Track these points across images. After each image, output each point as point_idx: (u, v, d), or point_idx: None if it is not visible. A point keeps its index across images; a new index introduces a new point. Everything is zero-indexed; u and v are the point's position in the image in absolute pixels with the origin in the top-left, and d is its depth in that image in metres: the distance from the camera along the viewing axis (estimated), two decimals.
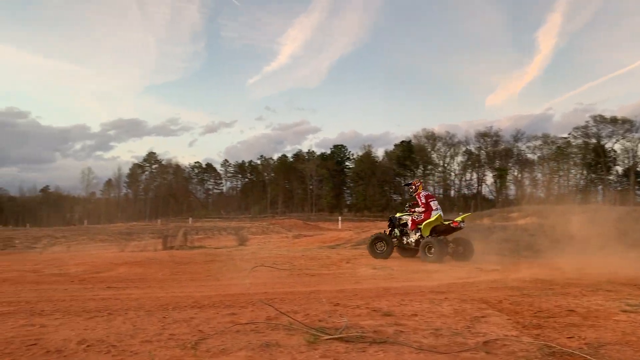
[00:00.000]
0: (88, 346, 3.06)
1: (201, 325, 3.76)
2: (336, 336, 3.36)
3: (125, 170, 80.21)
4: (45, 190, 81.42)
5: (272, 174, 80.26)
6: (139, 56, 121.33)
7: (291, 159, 79.73)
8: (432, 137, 72.26)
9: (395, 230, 11.88)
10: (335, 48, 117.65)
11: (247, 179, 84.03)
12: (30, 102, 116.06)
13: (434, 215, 11.21)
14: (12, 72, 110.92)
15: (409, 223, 11.58)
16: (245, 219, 51.96)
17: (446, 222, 11.15)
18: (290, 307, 4.54)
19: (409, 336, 3.50)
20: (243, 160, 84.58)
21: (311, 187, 72.70)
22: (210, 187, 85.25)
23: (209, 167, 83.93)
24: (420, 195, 11.57)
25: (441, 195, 68.68)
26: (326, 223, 37.85)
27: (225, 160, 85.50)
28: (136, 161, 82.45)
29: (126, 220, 59.37)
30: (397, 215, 12.21)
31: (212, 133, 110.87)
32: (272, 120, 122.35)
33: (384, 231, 12.11)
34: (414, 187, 11.95)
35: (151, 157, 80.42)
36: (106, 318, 4.01)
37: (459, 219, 11.25)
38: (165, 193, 75.75)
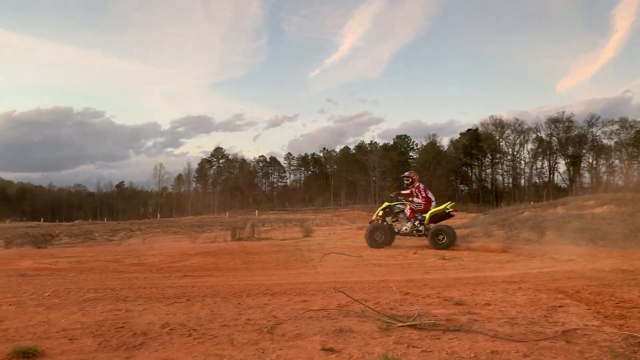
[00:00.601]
0: (171, 329, 3.23)
1: (275, 311, 3.86)
2: (409, 323, 3.35)
3: (195, 165, 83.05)
4: (120, 185, 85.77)
5: (335, 166, 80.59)
6: (205, 54, 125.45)
7: (353, 151, 79.75)
8: (500, 125, 69.93)
9: (387, 219, 12.31)
10: (397, 37, 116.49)
11: (310, 172, 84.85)
12: (105, 102, 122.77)
13: (438, 206, 12.12)
14: (88, 74, 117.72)
15: (407, 212, 12.06)
16: (308, 211, 52.52)
17: (448, 210, 12.00)
18: (360, 295, 4.56)
19: (483, 325, 3.44)
20: (306, 153, 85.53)
21: (374, 178, 72.34)
22: (275, 180, 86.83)
23: (273, 161, 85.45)
24: (420, 187, 12.20)
25: (510, 185, 66.43)
26: None
27: (289, 153, 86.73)
28: (204, 156, 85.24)
29: (196, 213, 61.58)
30: (389, 204, 12.53)
31: (276, 127, 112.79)
32: (334, 113, 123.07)
33: (379, 220, 12.33)
34: (410, 179, 12.43)
35: (218, 152, 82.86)
36: (185, 304, 4.20)
37: (448, 206, 12.07)
38: (232, 186, 77.77)
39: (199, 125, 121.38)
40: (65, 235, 23.79)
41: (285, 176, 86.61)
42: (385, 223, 12.19)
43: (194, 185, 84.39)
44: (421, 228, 12.00)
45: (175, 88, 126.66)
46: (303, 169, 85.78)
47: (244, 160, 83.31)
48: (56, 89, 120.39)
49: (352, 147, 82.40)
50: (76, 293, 4.73)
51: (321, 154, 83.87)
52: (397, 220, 12.30)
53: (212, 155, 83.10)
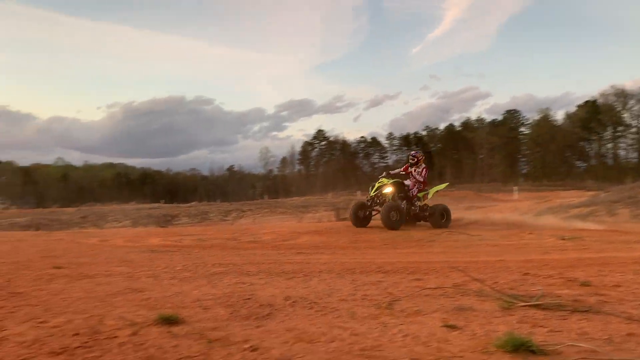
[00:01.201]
0: (293, 302, 3.39)
1: (390, 288, 3.91)
2: (532, 303, 3.24)
3: (298, 148, 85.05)
4: (230, 169, 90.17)
5: (439, 145, 78.53)
6: (306, 37, 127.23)
7: (459, 128, 77.08)
8: (622, 95, 63.74)
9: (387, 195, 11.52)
10: (504, 7, 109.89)
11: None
12: (215, 90, 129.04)
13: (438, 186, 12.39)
14: (198, 64, 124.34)
15: (414, 190, 11.65)
16: None
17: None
18: (476, 275, 4.47)
19: (614, 306, 3.23)
20: (408, 132, 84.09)
21: (481, 156, 69.49)
22: (376, 160, 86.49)
23: (374, 141, 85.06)
24: (423, 171, 11.76)
25: (636, 160, 60.72)
26: (499, 194, 35.96)
27: (390, 133, 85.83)
28: (306, 139, 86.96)
29: (301, 194, 63.28)
30: (395, 180, 11.68)
31: (376, 107, 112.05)
32: (438, 89, 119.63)
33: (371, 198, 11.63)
34: (416, 159, 11.87)
35: (320, 134, 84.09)
36: (303, 279, 4.38)
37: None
38: (334, 168, 78.72)
39: (301, 108, 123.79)
40: (184, 216, 25.49)
41: (387, 156, 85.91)
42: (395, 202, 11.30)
43: (297, 167, 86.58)
44: (417, 207, 11.76)
45: (279, 73, 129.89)
46: (405, 148, 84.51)
47: (344, 142, 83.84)
48: (170, 79, 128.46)
49: (457, 124, 79.72)
50: (203, 267, 5.11)
51: (424, 133, 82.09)
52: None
53: (314, 137, 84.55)
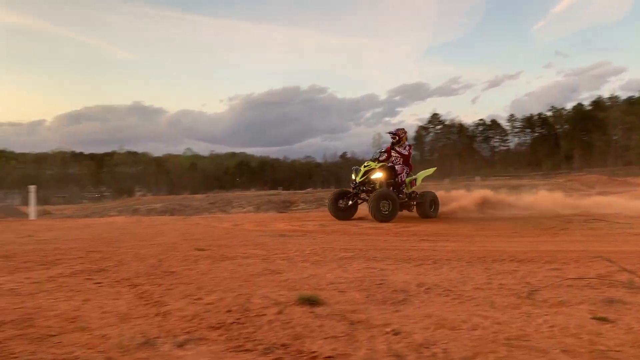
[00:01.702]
0: (427, 289, 3.38)
1: (527, 278, 3.75)
2: None
3: (411, 133, 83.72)
4: (343, 156, 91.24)
5: (566, 126, 72.97)
6: (419, 20, 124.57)
7: (589, 107, 71.03)
8: None
9: (374, 180, 10.48)
10: None
11: (536, 133, 78.36)
12: (328, 78, 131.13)
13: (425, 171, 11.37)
14: (313, 54, 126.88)
15: (403, 176, 10.64)
16: (536, 177, 48.79)
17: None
18: (625, 265, 4.13)
19: None
20: (531, 113, 79.05)
21: (615, 137, 63.49)
22: (496, 144, 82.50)
23: (494, 124, 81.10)
24: (406, 146, 10.72)
25: None
26: (637, 178, 32.66)
27: (511, 114, 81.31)
28: (420, 124, 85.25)
29: None
30: (380, 165, 10.57)
31: (495, 87, 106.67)
32: (563, 66, 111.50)
33: (369, 183, 10.48)
34: (398, 137, 10.71)
35: (434, 118, 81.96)
36: (432, 266, 4.35)
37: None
38: (450, 153, 76.43)
39: (414, 92, 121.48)
40: (301, 202, 26.30)
41: (508, 139, 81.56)
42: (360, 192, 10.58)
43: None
44: (406, 195, 10.76)
45: (391, 58, 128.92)
46: (528, 130, 79.64)
47: (461, 125, 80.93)
48: (285, 70, 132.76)
49: (586, 103, 73.45)
50: (331, 252, 5.26)
51: (549, 113, 76.64)
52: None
53: (429, 122, 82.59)
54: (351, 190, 10.72)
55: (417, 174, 11.23)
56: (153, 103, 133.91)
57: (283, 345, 2.26)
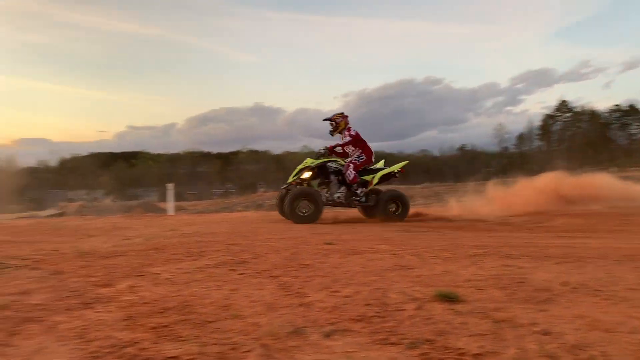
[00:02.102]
0: (573, 288, 3.18)
1: None
2: None
3: (537, 122, 78.57)
4: (462, 148, 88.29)
5: None
6: (544, 1, 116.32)
7: None
8: None
9: (312, 182, 9.36)
10: None
11: None
12: (444, 68, 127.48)
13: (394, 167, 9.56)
14: (426, 44, 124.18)
15: (351, 174, 9.08)
16: None
17: (397, 172, 9.53)
18: None
19: None
20: None
21: None
22: (635, 131, 74.76)
23: (632, 110, 73.54)
24: (351, 130, 9.34)
25: None
26: None
27: None
28: (547, 112, 79.69)
29: (540, 172, 58.57)
30: (318, 162, 9.30)
31: (633, 70, 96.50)
32: None
33: (292, 183, 9.34)
34: (334, 122, 9.48)
35: (562, 105, 76.19)
36: (575, 264, 4.07)
37: (400, 166, 9.67)
38: (581, 142, 70.70)
39: (539, 79, 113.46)
40: (419, 197, 25.94)
41: None
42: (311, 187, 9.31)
43: (537, 143, 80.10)
44: (362, 194, 9.30)
45: (512, 43, 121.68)
46: None
47: (593, 112, 74.38)
48: (399, 63, 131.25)
49: None
50: (460, 248, 5.14)
51: None
52: (323, 185, 9.47)
53: (556, 109, 76.94)
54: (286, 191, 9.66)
55: (379, 171, 9.70)
56: (273, 103, 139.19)
57: (428, 340, 2.26)
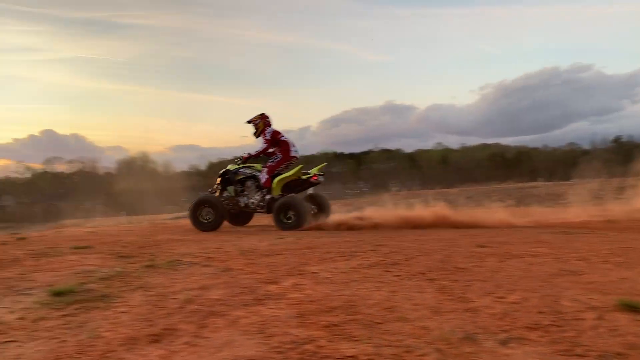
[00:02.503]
0: None
1: None
2: None
3: None
4: (617, 140, 79.92)
5: None
6: None
7: None
8: None
9: (228, 189, 9.24)
10: None
11: None
12: (593, 53, 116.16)
13: (295, 168, 8.91)
14: (572, 28, 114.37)
15: (263, 177, 8.94)
16: None
17: (305, 176, 8.90)
18: None
19: None
20: None
21: None
22: None
23: None
24: (266, 132, 9.03)
25: None
26: None
27: None
28: None
29: None
30: (233, 168, 9.27)
31: None
32: None
33: (212, 190, 9.34)
34: (255, 126, 9.19)
35: None
36: None
37: (314, 170, 9.04)
38: None
39: None
40: (569, 194, 24.02)
41: None
42: (222, 195, 9.24)
43: None
44: (266, 200, 9.00)
45: None
46: None
47: None
48: (541, 51, 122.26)
49: None
50: (635, 252, 4.67)
51: None
52: (243, 192, 9.19)
53: None
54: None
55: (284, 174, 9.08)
56: (404, 101, 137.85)
57: (619, 354, 2.08)
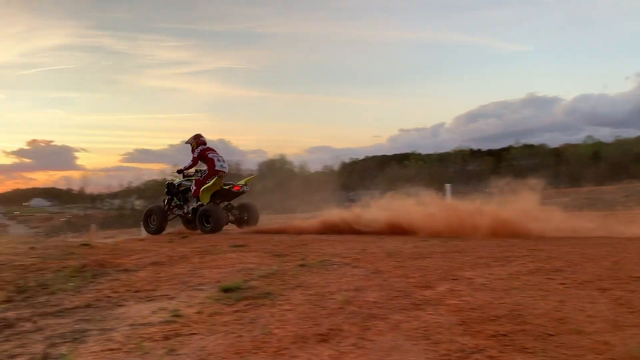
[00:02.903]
0: None
1: None
2: None
3: None
4: None
5: None
6: None
7: None
8: None
9: (175, 199, 10.50)
10: None
11: None
12: None
13: (212, 180, 9.87)
14: None
15: (193, 188, 10.12)
16: None
17: (226, 187, 10.00)
18: None
19: None
20: None
21: None
22: None
23: None
24: (195, 150, 10.17)
25: None
26: None
27: None
28: None
29: None
30: (177, 181, 10.57)
31: None
32: None
33: (163, 201, 10.71)
34: (191, 146, 10.35)
35: None
36: None
37: (242, 182, 10.42)
38: None
39: None
40: None
41: None
42: (171, 206, 10.60)
43: None
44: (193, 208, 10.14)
45: None
46: None
47: None
48: None
49: None
50: None
51: None
52: (187, 201, 10.40)
53: None
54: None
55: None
56: (547, 92, 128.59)
57: None
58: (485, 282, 3.70)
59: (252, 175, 11.27)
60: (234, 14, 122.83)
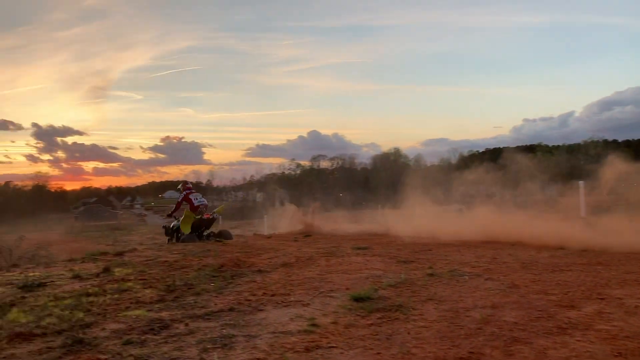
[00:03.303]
0: None
1: None
2: None
3: None
4: None
5: None
6: None
7: None
8: None
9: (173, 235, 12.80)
10: None
11: None
12: None
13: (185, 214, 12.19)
14: None
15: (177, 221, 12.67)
16: None
17: (198, 217, 12.12)
18: None
19: None
20: None
21: None
22: None
23: None
24: (180, 195, 12.70)
25: None
26: None
27: None
28: None
29: None
30: (172, 224, 12.87)
31: None
32: None
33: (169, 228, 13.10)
34: (179, 190, 13.13)
35: None
36: None
37: (215, 211, 13.33)
38: None
39: None
40: None
41: None
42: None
43: None
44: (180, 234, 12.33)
45: None
46: None
47: None
48: None
49: None
50: None
51: None
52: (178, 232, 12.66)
53: None
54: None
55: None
56: None
57: None
58: (639, 304, 3.39)
59: (221, 205, 15.59)
60: (349, 8, 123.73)
